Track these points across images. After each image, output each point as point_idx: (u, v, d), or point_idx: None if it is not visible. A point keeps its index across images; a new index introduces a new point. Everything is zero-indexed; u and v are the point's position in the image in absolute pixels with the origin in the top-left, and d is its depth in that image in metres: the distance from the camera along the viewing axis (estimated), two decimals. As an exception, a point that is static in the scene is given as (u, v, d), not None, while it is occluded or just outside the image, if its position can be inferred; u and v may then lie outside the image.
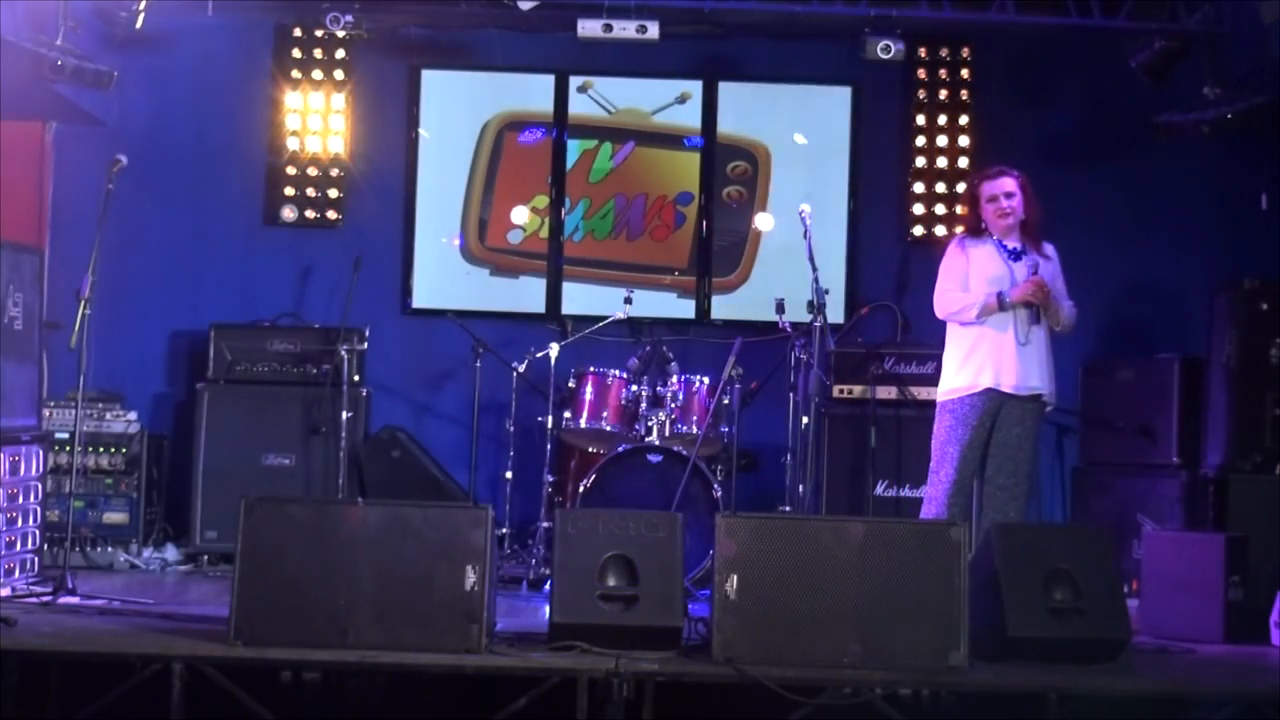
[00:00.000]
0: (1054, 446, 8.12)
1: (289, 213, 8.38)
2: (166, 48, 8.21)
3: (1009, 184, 6.29)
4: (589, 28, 7.71)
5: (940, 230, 8.39)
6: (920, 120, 8.48)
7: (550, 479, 7.29)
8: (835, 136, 8.51)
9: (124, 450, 7.56)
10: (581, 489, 6.93)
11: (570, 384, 7.31)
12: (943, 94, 8.45)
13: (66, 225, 7.90)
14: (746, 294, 8.47)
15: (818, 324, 6.79)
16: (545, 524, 7.01)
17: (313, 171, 8.39)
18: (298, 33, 8.36)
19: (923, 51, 8.43)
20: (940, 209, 8.42)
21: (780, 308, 7.30)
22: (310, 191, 8.40)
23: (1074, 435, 7.94)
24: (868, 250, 8.50)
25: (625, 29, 7.68)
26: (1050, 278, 6.23)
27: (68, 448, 7.07)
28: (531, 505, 7.53)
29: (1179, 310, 8.09)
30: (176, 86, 8.32)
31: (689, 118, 8.54)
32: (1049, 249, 6.36)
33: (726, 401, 7.18)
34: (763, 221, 8.26)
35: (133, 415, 7.66)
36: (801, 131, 8.52)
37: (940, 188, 8.43)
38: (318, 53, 8.37)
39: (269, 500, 5.19)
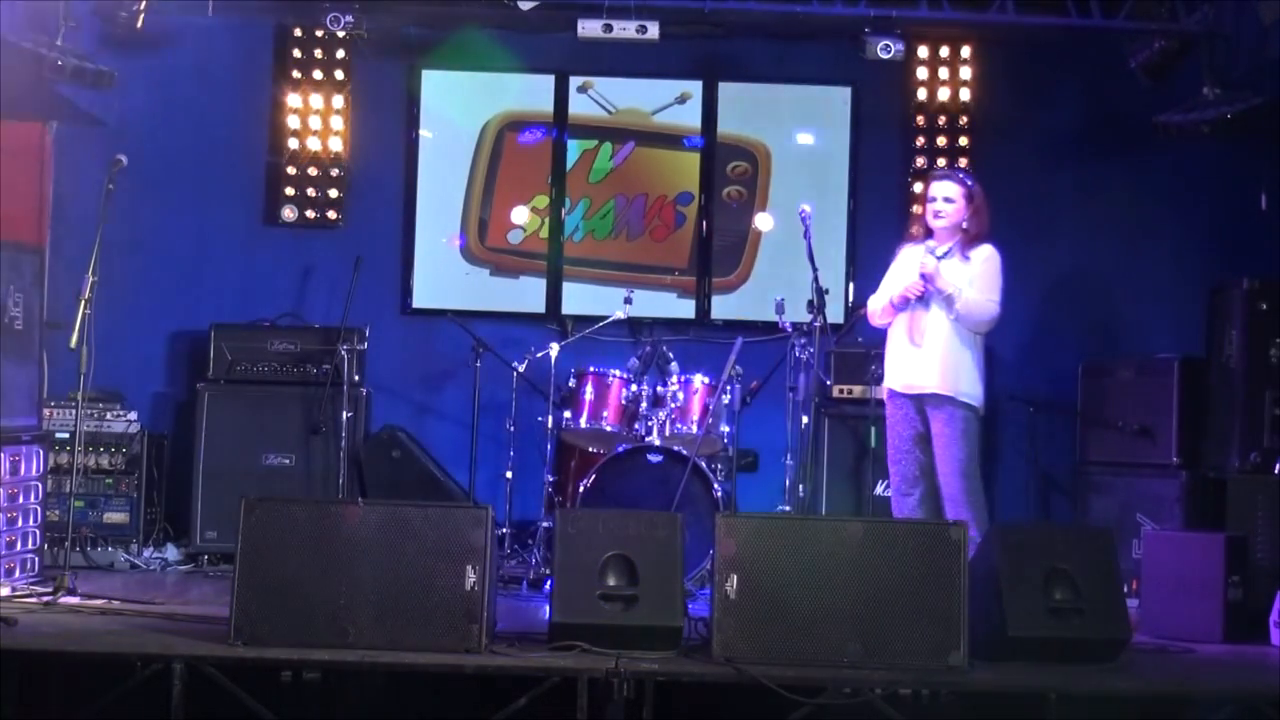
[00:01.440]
0: (1054, 446, 8.12)
1: (289, 213, 8.38)
2: (166, 48, 8.21)
3: (949, 189, 6.33)
4: (589, 28, 7.71)
5: (940, 230, 8.40)
6: (920, 120, 8.48)
7: (550, 479, 7.29)
8: (835, 136, 8.51)
9: (124, 450, 7.56)
10: (581, 489, 6.93)
11: (570, 384, 7.31)
12: (943, 94, 8.45)
13: (66, 225, 7.90)
14: (746, 294, 8.47)
15: (818, 324, 6.79)
16: (545, 524, 7.01)
17: (313, 171, 8.39)
18: (298, 33, 8.36)
19: (923, 51, 8.43)
20: (940, 209, 8.41)
21: (780, 308, 7.30)
22: (310, 191, 8.40)
23: (1074, 435, 7.94)
24: (868, 250, 8.49)
25: (625, 29, 7.68)
26: (963, 279, 6.20)
27: (68, 448, 7.08)
28: (531, 505, 7.54)
29: (1179, 310, 8.08)
30: (176, 86, 8.32)
31: (689, 118, 8.54)
32: (977, 252, 6.30)
33: (726, 401, 7.18)
34: (763, 221, 8.26)
35: (133, 415, 7.66)
36: (801, 131, 8.52)
37: (940, 188, 8.42)
38: (318, 53, 8.37)
39: (269, 500, 5.19)
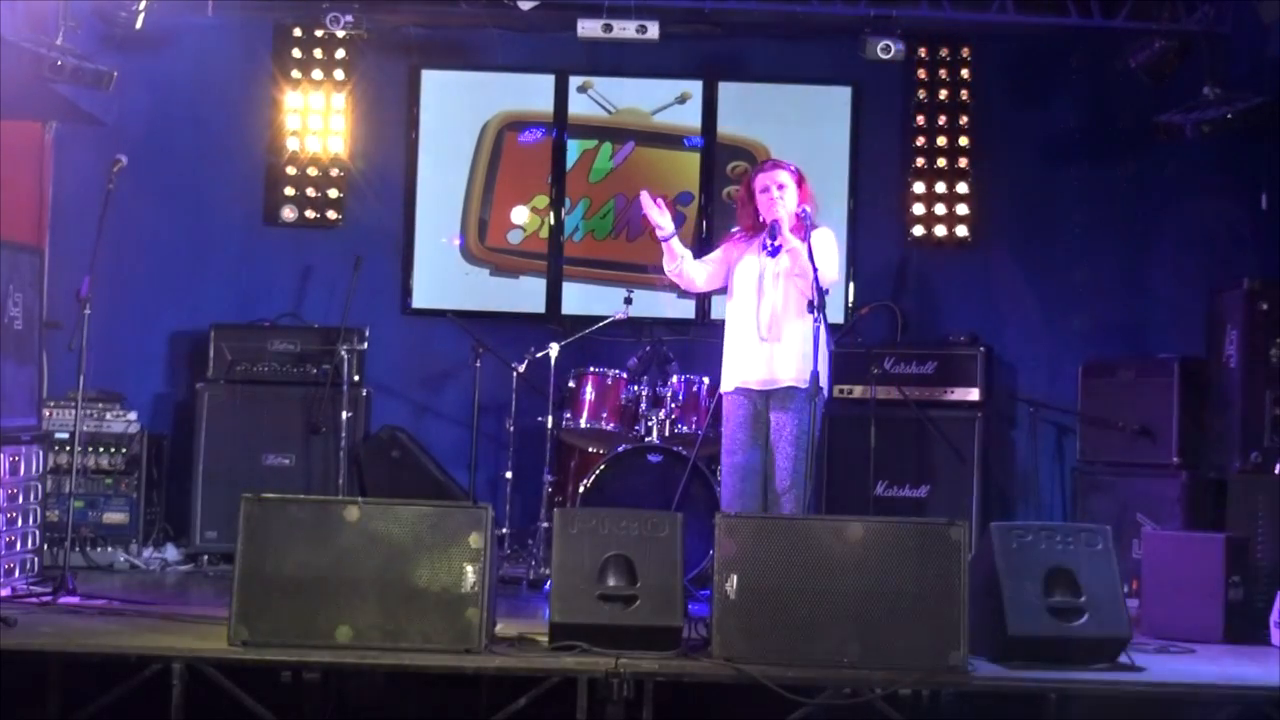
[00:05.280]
0: (1054, 446, 8.12)
1: (289, 213, 8.38)
2: (166, 48, 8.21)
3: (781, 176, 6.25)
4: (589, 28, 7.71)
5: (940, 230, 8.40)
6: (920, 120, 8.47)
7: (550, 479, 7.29)
8: (835, 136, 8.51)
9: (124, 450, 7.55)
10: (581, 489, 6.93)
11: (570, 384, 7.31)
12: (943, 94, 8.45)
13: (66, 225, 7.89)
14: (746, 294, 8.45)
15: (818, 323, 6.78)
16: (545, 524, 7.01)
17: (313, 171, 8.40)
18: (298, 33, 8.36)
19: (923, 51, 8.43)
20: (940, 209, 8.41)
21: (780, 307, 7.27)
22: (310, 191, 8.40)
23: (1074, 435, 7.94)
24: (868, 250, 8.50)
25: (625, 29, 7.68)
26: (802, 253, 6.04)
27: (68, 448, 7.08)
28: (531, 505, 7.53)
29: (1179, 310, 8.08)
30: (176, 86, 8.31)
31: (689, 118, 8.54)
32: (818, 232, 6.19)
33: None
34: (762, 221, 8.24)
35: (133, 415, 7.66)
36: (801, 131, 8.50)
37: (940, 188, 8.42)
38: (318, 53, 8.37)
39: (269, 499, 5.17)
